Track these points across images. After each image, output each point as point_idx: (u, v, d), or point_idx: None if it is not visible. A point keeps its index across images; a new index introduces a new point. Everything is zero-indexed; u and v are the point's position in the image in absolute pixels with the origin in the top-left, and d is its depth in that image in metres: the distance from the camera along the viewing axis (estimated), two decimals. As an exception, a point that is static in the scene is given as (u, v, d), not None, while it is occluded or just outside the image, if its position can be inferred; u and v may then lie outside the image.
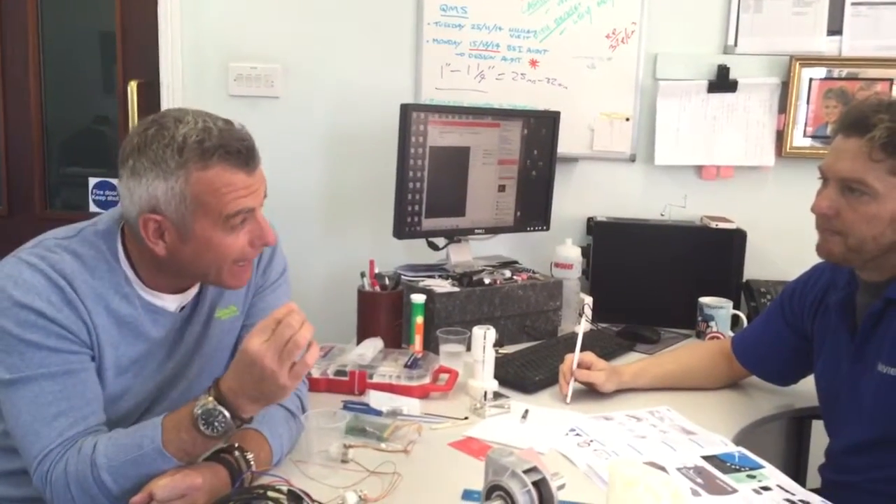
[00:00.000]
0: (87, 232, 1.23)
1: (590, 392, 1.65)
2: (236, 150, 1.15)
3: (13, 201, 2.72)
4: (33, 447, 1.11)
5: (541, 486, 0.94)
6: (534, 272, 2.14)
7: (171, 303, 1.28)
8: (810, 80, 2.25)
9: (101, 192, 2.69)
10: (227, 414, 1.07)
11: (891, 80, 2.21)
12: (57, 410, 1.12)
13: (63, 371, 1.14)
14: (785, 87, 2.26)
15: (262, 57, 2.42)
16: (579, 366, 1.63)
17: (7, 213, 2.71)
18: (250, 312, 1.40)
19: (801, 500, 1.24)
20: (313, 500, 1.07)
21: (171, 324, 1.29)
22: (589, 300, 2.14)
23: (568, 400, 1.61)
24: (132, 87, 2.52)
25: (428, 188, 2.00)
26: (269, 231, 1.23)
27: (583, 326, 1.71)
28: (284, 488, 1.07)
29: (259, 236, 1.22)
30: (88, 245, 1.21)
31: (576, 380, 1.62)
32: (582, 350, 1.65)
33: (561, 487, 0.97)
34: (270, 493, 1.04)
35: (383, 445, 1.35)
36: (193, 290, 1.31)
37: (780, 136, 2.29)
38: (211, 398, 1.08)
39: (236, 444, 1.17)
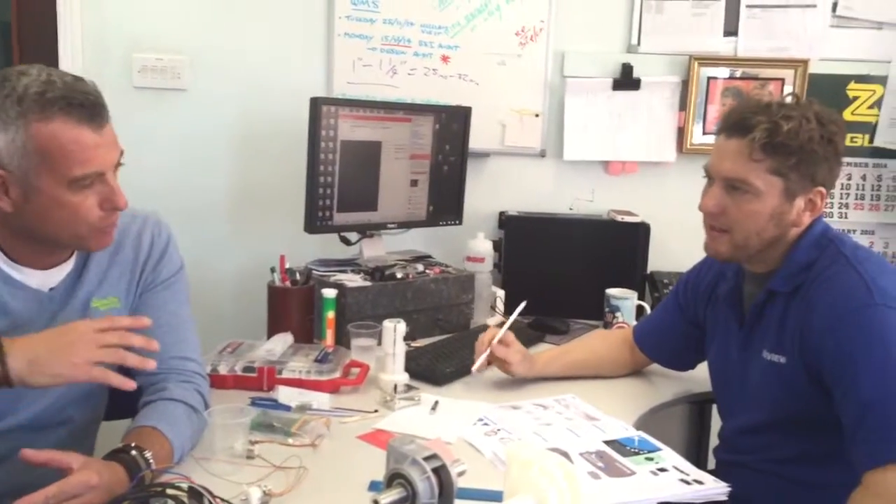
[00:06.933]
0: None
1: (498, 382, 1.69)
2: (79, 102, 1.13)
3: None
4: None
5: (441, 472, 0.95)
6: (446, 266, 2.16)
7: (32, 278, 1.25)
8: (708, 78, 2.35)
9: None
10: None
11: (782, 80, 2.33)
12: None
13: None
14: (685, 86, 2.36)
15: (168, 48, 2.35)
16: (499, 342, 1.66)
17: None
18: (140, 310, 1.36)
19: (694, 480, 1.30)
20: (215, 497, 1.06)
21: (36, 303, 1.25)
22: (501, 293, 2.17)
23: (475, 369, 1.64)
24: (30, 78, 2.41)
25: (339, 182, 1.99)
26: (120, 194, 1.21)
27: (515, 315, 1.74)
28: (185, 485, 1.05)
29: (108, 199, 1.19)
30: None
31: (492, 353, 1.65)
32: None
33: (461, 474, 0.99)
34: (170, 491, 1.02)
35: (290, 440, 1.35)
36: (62, 271, 1.28)
37: (681, 133, 2.38)
38: None
39: (132, 444, 1.14)
